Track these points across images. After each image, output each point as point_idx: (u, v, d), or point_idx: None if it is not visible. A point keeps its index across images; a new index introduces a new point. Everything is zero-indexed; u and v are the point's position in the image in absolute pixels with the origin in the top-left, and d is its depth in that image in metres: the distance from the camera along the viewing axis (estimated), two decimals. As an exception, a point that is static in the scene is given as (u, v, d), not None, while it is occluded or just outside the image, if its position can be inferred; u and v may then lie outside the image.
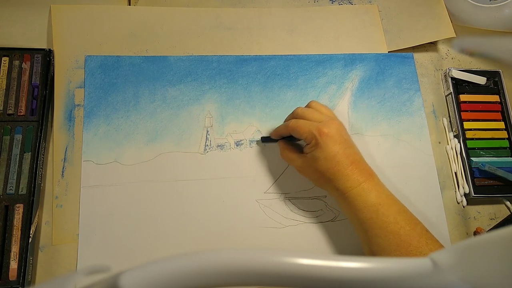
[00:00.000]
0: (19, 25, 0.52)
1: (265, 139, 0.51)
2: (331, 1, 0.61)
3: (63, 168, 0.48)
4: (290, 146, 0.49)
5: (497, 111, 0.58)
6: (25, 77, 0.49)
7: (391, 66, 0.58)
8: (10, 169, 0.46)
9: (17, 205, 0.45)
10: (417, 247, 0.41)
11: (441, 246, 0.42)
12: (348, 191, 0.43)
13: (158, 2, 0.56)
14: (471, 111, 0.57)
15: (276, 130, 0.49)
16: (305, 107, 0.48)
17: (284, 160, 0.50)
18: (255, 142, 0.52)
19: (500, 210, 0.55)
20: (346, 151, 0.43)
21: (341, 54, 0.58)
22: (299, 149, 0.48)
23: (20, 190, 0.45)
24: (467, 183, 0.54)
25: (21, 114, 0.48)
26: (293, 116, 0.47)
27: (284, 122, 0.49)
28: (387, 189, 0.45)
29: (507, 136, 0.56)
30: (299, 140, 0.48)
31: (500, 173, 0.52)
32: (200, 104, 0.53)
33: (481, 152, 0.55)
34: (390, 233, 0.42)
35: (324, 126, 0.43)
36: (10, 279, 0.42)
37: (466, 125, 0.56)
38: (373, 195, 0.43)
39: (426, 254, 0.40)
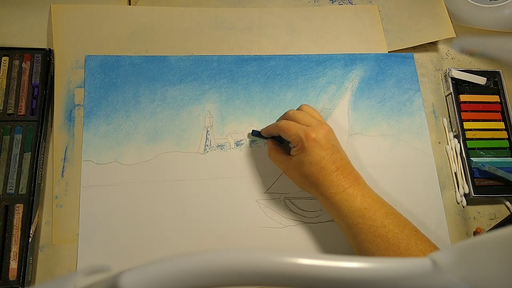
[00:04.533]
0: (19, 25, 0.52)
1: (255, 133, 0.51)
2: (331, 1, 0.61)
3: (63, 168, 0.48)
4: (277, 146, 0.49)
5: (497, 111, 0.58)
6: (25, 77, 0.49)
7: (391, 66, 0.58)
8: (10, 169, 0.46)
9: (17, 205, 0.45)
10: (406, 249, 0.41)
11: (431, 245, 0.42)
12: (332, 197, 0.43)
13: (158, 2, 0.56)
14: (471, 111, 0.57)
15: (267, 128, 0.49)
16: (297, 110, 0.48)
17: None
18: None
19: (500, 210, 0.55)
20: (333, 157, 0.43)
21: (341, 54, 0.58)
22: (287, 151, 0.48)
23: (20, 190, 0.45)
24: (467, 183, 0.54)
25: (21, 114, 0.48)
26: (284, 117, 0.47)
27: (276, 122, 0.49)
28: (373, 193, 0.44)
29: (507, 136, 0.56)
30: (288, 142, 0.48)
31: (500, 173, 0.52)
32: (200, 104, 0.53)
33: (481, 152, 0.55)
34: (378, 237, 0.41)
35: (312, 130, 0.43)
36: (10, 279, 0.42)
37: (466, 125, 0.56)
38: (359, 200, 0.43)
39: (417, 255, 0.40)
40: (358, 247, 0.43)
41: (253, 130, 0.51)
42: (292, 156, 0.45)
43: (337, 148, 0.44)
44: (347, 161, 0.45)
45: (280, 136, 0.47)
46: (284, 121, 0.46)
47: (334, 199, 0.43)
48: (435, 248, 0.42)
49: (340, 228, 0.46)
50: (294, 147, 0.45)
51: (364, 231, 0.42)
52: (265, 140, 0.52)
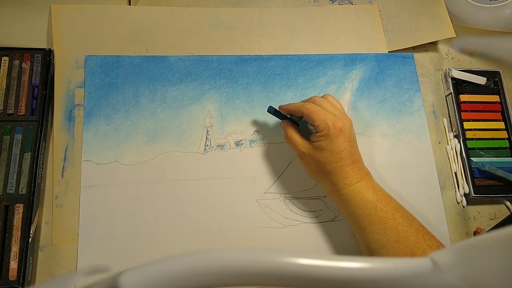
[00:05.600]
0: (19, 25, 0.52)
1: (272, 110, 0.48)
2: (331, 1, 0.61)
3: (63, 168, 0.48)
4: (297, 127, 0.48)
5: (497, 111, 0.58)
6: (25, 77, 0.49)
7: (391, 66, 0.58)
8: (10, 169, 0.46)
9: (17, 205, 0.45)
10: (415, 242, 0.41)
11: (437, 242, 0.43)
12: (345, 188, 0.44)
13: (158, 2, 0.56)
14: (471, 111, 0.57)
15: (289, 105, 0.48)
16: (322, 97, 0.47)
17: (288, 145, 0.48)
18: (250, 143, 0.52)
19: (500, 210, 0.55)
20: (352, 150, 0.44)
21: (341, 54, 0.58)
22: (303, 135, 0.47)
23: (20, 190, 0.45)
24: (467, 183, 0.54)
25: (21, 114, 0.48)
26: (310, 101, 0.46)
27: (301, 102, 0.48)
28: (382, 188, 0.45)
29: (507, 136, 0.56)
30: (304, 126, 0.48)
31: (500, 173, 0.52)
32: (200, 104, 0.53)
33: (481, 152, 0.55)
34: (389, 229, 0.42)
35: (339, 120, 0.44)
36: (10, 279, 0.42)
37: (466, 125, 0.56)
38: (371, 192, 0.43)
39: (424, 249, 0.40)
40: (366, 239, 0.43)
41: (270, 106, 0.48)
42: (313, 141, 0.45)
43: (355, 142, 0.45)
44: (361, 156, 0.46)
45: (294, 119, 0.47)
46: (311, 104, 0.45)
47: (347, 190, 0.44)
48: (440, 244, 0.43)
49: (348, 220, 0.46)
50: (317, 132, 0.44)
51: (375, 222, 0.42)
52: (264, 139, 0.52)
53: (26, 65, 0.50)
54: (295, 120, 0.49)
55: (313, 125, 0.45)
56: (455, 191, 0.54)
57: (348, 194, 0.44)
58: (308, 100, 0.47)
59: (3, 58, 0.49)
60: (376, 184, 0.45)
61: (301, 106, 0.46)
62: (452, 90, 0.57)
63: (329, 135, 0.43)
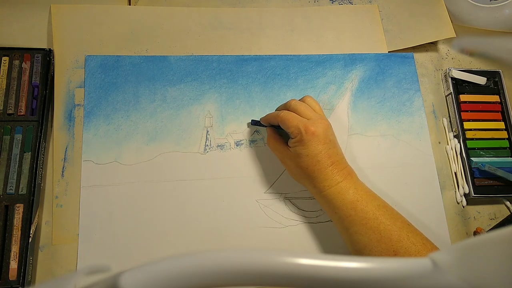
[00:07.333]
0: (19, 25, 0.52)
1: (255, 123, 0.51)
2: (331, 1, 0.61)
3: (63, 168, 0.48)
4: (277, 135, 0.49)
5: (497, 111, 0.58)
6: (25, 77, 0.49)
7: (391, 66, 0.58)
8: (10, 169, 0.46)
9: (17, 205, 0.45)
10: (398, 241, 0.41)
11: (423, 239, 0.43)
12: (325, 190, 0.44)
13: (158, 2, 0.56)
14: (471, 111, 0.57)
15: (266, 117, 0.49)
16: (300, 100, 0.48)
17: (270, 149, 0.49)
18: (250, 143, 0.52)
19: (500, 210, 0.55)
20: (329, 152, 0.44)
21: (341, 54, 0.58)
22: (286, 138, 0.48)
23: (20, 190, 0.45)
24: (467, 183, 0.54)
25: (21, 114, 0.48)
26: (286, 107, 0.47)
27: (276, 110, 0.49)
28: (366, 186, 0.45)
29: (507, 136, 0.56)
30: (282, 131, 0.48)
31: (500, 173, 0.52)
32: (200, 104, 0.53)
33: (481, 152, 0.55)
34: (370, 229, 0.42)
35: (312, 124, 0.44)
36: (10, 279, 0.42)
37: (466, 125, 0.56)
38: (351, 193, 0.43)
39: (408, 247, 0.41)
40: (350, 239, 0.44)
41: (252, 120, 0.51)
42: (290, 147, 0.45)
43: (334, 143, 0.45)
44: (342, 156, 0.46)
45: (278, 125, 0.48)
46: (285, 112, 0.46)
47: (327, 192, 0.44)
48: (427, 241, 0.43)
49: (333, 222, 0.46)
50: (292, 138, 0.45)
51: (356, 223, 0.43)
52: (264, 139, 0.52)
53: (26, 65, 0.50)
54: (278, 127, 0.49)
55: (288, 132, 0.45)
56: (455, 191, 0.54)
57: (329, 196, 0.44)
58: (285, 105, 0.48)
59: (3, 58, 0.49)
60: (359, 183, 0.45)
61: (276, 115, 0.47)
62: (452, 90, 0.57)
63: (303, 140, 0.43)
